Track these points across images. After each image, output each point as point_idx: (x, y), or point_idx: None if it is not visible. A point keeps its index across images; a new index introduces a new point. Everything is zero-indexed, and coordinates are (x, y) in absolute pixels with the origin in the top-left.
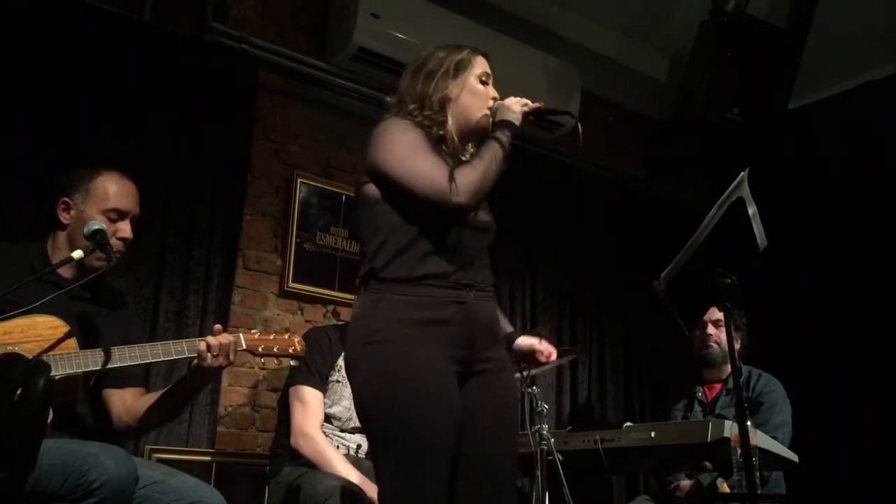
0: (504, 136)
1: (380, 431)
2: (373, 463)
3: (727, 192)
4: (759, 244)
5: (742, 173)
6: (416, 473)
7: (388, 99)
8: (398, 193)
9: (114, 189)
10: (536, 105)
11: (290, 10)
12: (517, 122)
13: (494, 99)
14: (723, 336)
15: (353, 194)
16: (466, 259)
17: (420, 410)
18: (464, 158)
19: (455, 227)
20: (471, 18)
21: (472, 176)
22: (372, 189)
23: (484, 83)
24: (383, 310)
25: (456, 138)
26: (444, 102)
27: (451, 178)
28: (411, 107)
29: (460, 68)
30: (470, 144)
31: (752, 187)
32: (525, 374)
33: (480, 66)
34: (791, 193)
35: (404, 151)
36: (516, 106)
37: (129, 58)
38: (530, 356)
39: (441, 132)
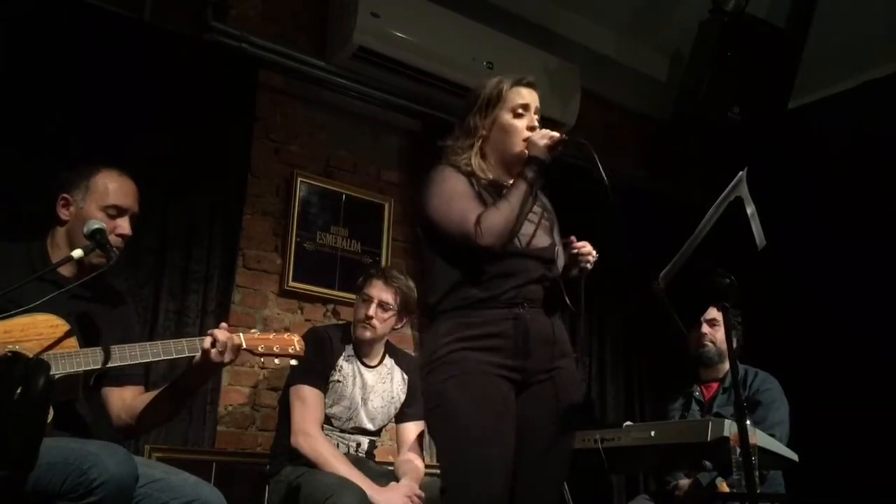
0: (531, 172)
1: (437, 438)
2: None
3: (725, 191)
4: (757, 244)
5: (741, 172)
6: (463, 479)
7: (445, 142)
8: (440, 237)
9: (113, 186)
10: (558, 137)
11: (290, 10)
12: (543, 157)
13: (531, 129)
14: (717, 335)
15: (352, 193)
16: (519, 282)
17: (468, 421)
18: (507, 185)
19: (504, 259)
20: (471, 18)
21: (496, 219)
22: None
23: (520, 115)
24: (440, 334)
25: (483, 171)
26: (475, 140)
27: (478, 222)
28: (450, 143)
29: (491, 105)
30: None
31: (752, 187)
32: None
33: (517, 97)
34: (791, 193)
35: (441, 200)
36: (541, 141)
37: (129, 57)
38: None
39: (468, 168)
